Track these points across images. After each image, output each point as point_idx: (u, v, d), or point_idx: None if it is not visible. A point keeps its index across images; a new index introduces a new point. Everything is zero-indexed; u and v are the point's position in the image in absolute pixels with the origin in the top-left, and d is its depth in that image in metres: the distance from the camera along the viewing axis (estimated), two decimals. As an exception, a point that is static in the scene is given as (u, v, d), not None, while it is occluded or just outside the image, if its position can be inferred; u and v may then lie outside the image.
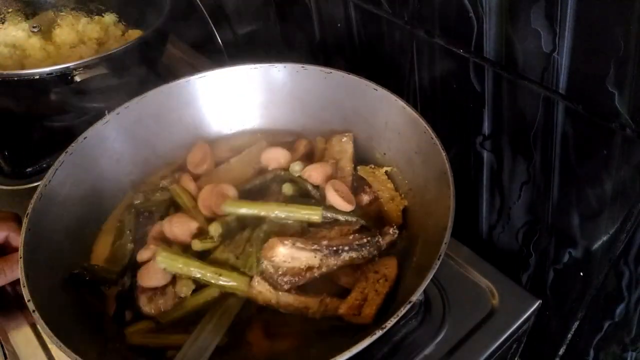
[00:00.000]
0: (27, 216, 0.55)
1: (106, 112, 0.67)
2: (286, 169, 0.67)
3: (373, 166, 0.68)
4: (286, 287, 0.55)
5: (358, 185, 0.67)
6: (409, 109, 0.63)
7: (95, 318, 0.56)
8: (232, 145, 0.74)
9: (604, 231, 0.59)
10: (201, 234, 0.60)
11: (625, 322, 0.64)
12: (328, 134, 0.73)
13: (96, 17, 1.00)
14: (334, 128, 0.72)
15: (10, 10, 0.99)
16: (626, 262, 0.59)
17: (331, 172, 0.66)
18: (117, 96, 0.73)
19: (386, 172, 0.68)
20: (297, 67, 0.71)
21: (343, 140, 0.70)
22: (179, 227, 0.60)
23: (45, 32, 0.96)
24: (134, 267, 0.59)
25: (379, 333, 0.44)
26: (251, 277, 0.55)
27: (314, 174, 0.65)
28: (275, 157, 0.69)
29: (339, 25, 0.81)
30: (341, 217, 0.61)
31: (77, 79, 0.76)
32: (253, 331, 0.55)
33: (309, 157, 0.71)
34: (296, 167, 0.66)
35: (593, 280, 0.63)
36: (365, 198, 0.65)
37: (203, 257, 0.58)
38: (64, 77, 0.76)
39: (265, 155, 0.69)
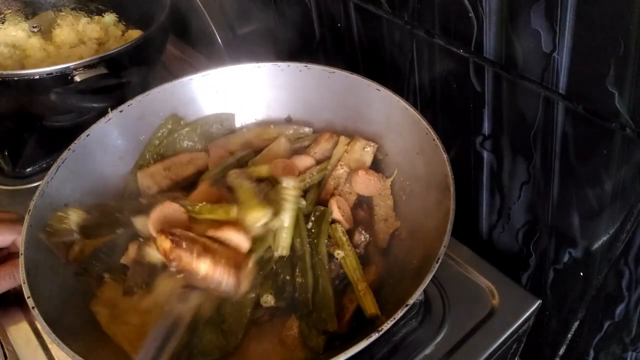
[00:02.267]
0: (28, 213, 0.55)
1: (109, 109, 0.67)
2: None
3: (382, 176, 0.67)
4: None
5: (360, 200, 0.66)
6: (411, 110, 0.63)
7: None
8: (246, 138, 0.74)
9: (604, 231, 0.59)
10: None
11: (625, 322, 0.64)
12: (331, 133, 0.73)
13: (96, 17, 1.00)
14: (335, 128, 0.73)
15: (10, 10, 0.99)
16: (626, 262, 0.59)
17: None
18: (117, 96, 0.73)
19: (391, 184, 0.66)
20: (300, 66, 0.71)
21: (365, 149, 0.67)
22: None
23: (45, 32, 0.96)
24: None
25: (375, 335, 0.44)
26: None
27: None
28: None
29: (339, 25, 0.81)
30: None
31: (77, 79, 0.76)
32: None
33: (327, 154, 0.69)
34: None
35: (593, 280, 0.63)
36: (362, 214, 0.65)
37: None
38: (64, 77, 0.76)
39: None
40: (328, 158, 0.69)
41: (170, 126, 0.72)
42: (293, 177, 0.58)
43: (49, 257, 0.56)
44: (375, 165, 0.69)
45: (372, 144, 0.68)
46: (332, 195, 0.65)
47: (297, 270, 0.57)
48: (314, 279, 0.57)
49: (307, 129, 0.73)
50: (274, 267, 0.58)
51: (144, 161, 0.70)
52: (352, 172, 0.66)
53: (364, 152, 0.68)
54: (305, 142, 0.72)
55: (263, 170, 0.65)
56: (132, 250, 0.60)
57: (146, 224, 0.59)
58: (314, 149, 0.70)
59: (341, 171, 0.67)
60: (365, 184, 0.65)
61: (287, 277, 0.57)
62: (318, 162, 0.69)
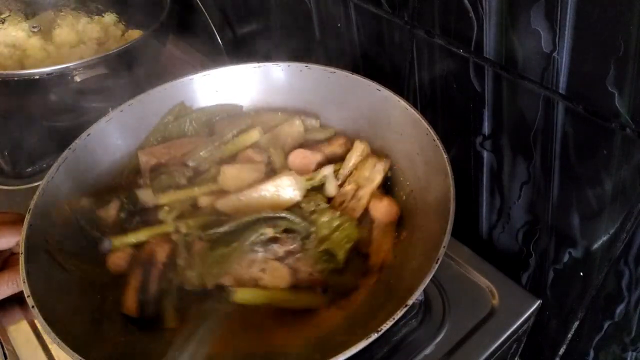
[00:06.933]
0: (29, 212, 0.55)
1: (110, 109, 0.67)
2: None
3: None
4: None
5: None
6: (411, 110, 0.63)
7: (96, 316, 0.56)
8: (253, 120, 0.73)
9: (604, 231, 0.59)
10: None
11: (625, 322, 0.64)
12: (332, 134, 0.72)
13: (96, 17, 1.00)
14: (336, 128, 0.73)
15: (10, 10, 0.99)
16: (626, 262, 0.59)
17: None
18: (117, 96, 0.73)
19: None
20: (300, 66, 0.71)
21: (376, 166, 0.65)
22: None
23: (45, 32, 0.96)
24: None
25: (374, 336, 0.44)
26: None
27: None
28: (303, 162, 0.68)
29: (339, 25, 0.81)
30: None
31: (77, 79, 0.76)
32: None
33: (340, 159, 0.68)
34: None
35: (593, 280, 0.64)
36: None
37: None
38: (64, 77, 0.76)
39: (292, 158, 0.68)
40: (335, 160, 0.68)
41: (177, 112, 0.71)
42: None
43: (49, 256, 0.56)
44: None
45: (385, 160, 0.65)
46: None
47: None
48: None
49: (314, 121, 0.72)
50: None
51: (148, 143, 0.70)
52: (378, 197, 0.64)
53: (375, 169, 0.65)
54: (316, 135, 0.71)
55: (254, 135, 0.69)
56: (113, 207, 0.63)
57: (150, 194, 0.64)
58: (325, 148, 0.69)
59: (348, 188, 0.66)
60: (389, 210, 0.63)
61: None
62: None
